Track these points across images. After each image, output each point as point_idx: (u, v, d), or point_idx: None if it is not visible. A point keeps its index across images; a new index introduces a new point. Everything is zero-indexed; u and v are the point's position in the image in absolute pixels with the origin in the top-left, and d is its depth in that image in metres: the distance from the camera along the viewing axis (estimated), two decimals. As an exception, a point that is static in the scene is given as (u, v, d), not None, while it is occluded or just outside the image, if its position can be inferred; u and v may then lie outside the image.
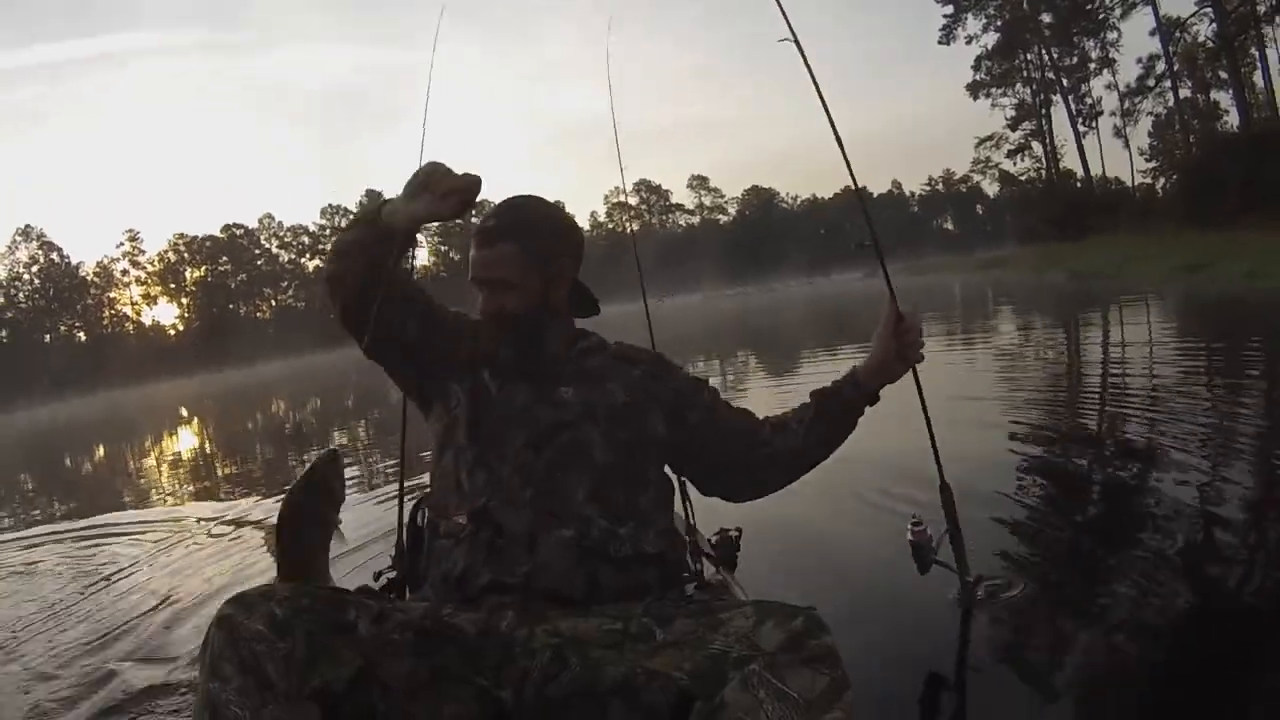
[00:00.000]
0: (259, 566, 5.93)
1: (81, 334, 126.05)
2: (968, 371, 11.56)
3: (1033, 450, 6.34)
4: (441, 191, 2.32)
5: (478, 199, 2.34)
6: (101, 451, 22.86)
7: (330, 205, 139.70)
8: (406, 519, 2.70)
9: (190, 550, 7.17)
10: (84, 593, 6.05)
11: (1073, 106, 63.52)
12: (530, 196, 2.62)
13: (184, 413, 34.68)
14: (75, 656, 4.62)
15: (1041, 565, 3.95)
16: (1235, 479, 4.81)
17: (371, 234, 2.42)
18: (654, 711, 1.82)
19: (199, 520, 8.49)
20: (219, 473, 13.77)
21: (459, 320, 2.63)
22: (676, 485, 2.71)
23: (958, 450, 6.06)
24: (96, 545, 7.99)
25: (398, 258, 2.45)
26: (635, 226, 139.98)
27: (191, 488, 12.39)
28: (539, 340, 2.53)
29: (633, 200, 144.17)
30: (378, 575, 2.61)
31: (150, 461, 17.73)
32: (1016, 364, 12.00)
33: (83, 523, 9.56)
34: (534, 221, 2.54)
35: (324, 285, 2.52)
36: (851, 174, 3.33)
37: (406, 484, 3.06)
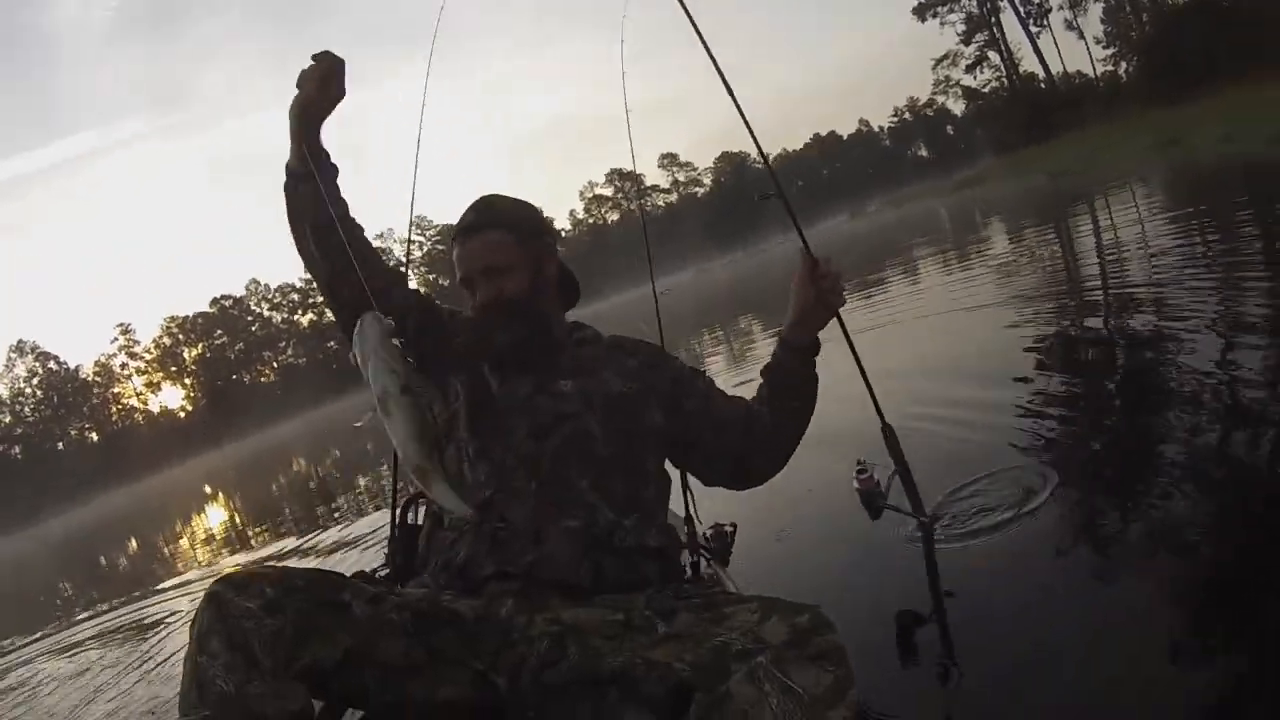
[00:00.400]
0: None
1: (93, 434, 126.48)
2: (962, 285, 11.58)
3: (1030, 354, 6.34)
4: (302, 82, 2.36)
5: (340, 76, 2.39)
6: (134, 543, 22.94)
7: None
8: (399, 517, 2.74)
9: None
10: (135, 653, 6.43)
11: (1020, 8, 63.36)
12: (495, 194, 2.67)
13: (208, 489, 34.89)
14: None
15: (1015, 490, 3.74)
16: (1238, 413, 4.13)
17: (287, 188, 2.44)
18: (652, 701, 1.82)
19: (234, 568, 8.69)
20: (249, 530, 14.04)
21: (455, 316, 2.65)
22: (678, 478, 2.72)
23: (944, 370, 6.14)
24: (140, 611, 8.62)
25: (325, 183, 2.41)
26: (619, 214, 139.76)
27: (225, 548, 12.81)
28: (540, 323, 2.55)
29: (608, 191, 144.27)
30: (372, 571, 2.60)
31: (183, 539, 18.01)
32: (1009, 270, 11.93)
33: (122, 599, 10.10)
34: (509, 209, 2.61)
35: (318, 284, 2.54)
36: (752, 133, 3.28)
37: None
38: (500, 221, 2.53)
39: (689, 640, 1.87)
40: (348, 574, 2.21)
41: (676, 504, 2.73)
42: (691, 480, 2.87)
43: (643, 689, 1.84)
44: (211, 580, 2.00)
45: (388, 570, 2.63)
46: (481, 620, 2.06)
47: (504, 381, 2.50)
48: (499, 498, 2.29)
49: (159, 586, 9.93)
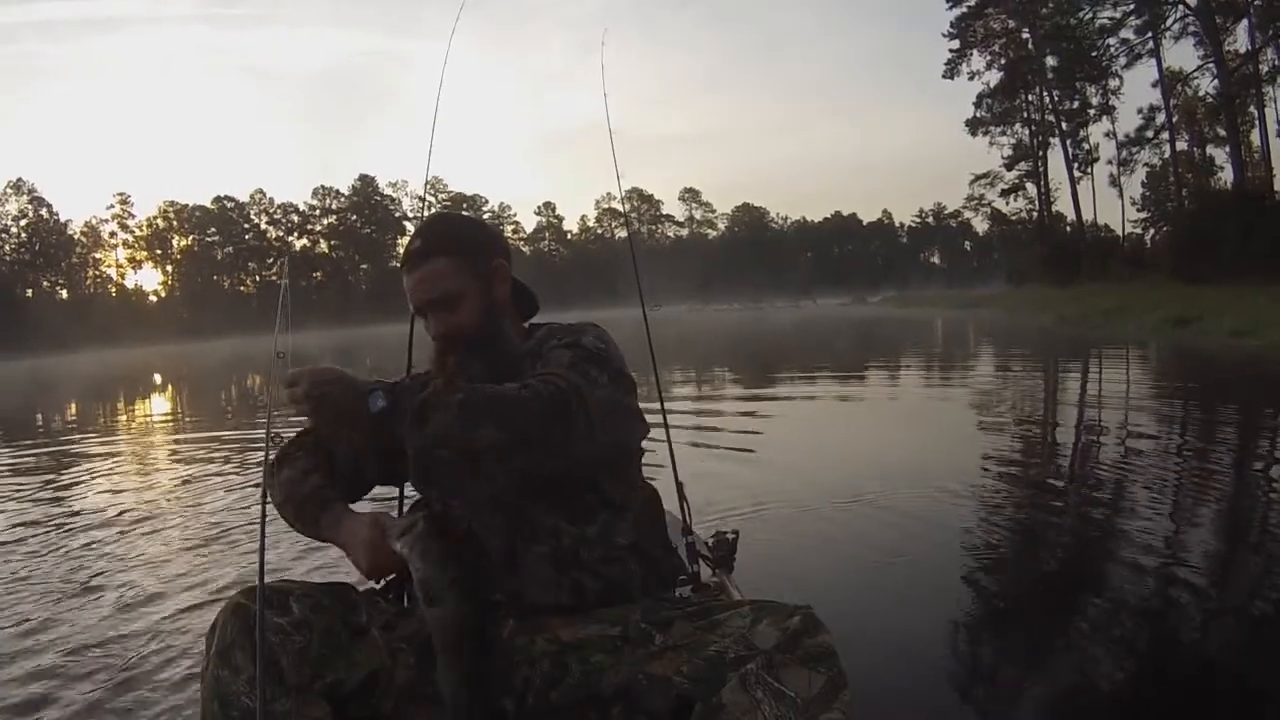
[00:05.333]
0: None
1: (64, 292, 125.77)
2: (940, 409, 11.85)
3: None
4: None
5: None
6: (74, 408, 22.87)
7: (321, 186, 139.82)
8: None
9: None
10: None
11: (1070, 151, 63.60)
12: (442, 212, 2.59)
13: (158, 377, 34.88)
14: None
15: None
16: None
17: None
18: (655, 716, 1.83)
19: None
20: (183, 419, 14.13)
21: None
22: (675, 487, 2.73)
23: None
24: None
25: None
26: (631, 232, 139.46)
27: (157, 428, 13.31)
28: (498, 351, 2.38)
29: (624, 208, 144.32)
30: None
31: (121, 414, 18.07)
32: (990, 405, 12.10)
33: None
34: (457, 230, 2.45)
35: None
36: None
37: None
38: (447, 247, 2.35)
39: (685, 650, 1.86)
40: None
41: (674, 511, 2.77)
42: (688, 490, 2.92)
43: (645, 703, 1.84)
44: (235, 591, 2.00)
45: (392, 576, 2.44)
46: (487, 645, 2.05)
47: None
48: (476, 528, 2.22)
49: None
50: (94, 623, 4.43)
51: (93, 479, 9.27)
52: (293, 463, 2.35)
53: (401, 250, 2.45)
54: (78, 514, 7.32)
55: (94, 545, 6.07)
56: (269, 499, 2.33)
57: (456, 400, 1.95)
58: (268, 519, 2.18)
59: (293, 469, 2.34)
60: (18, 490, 8.65)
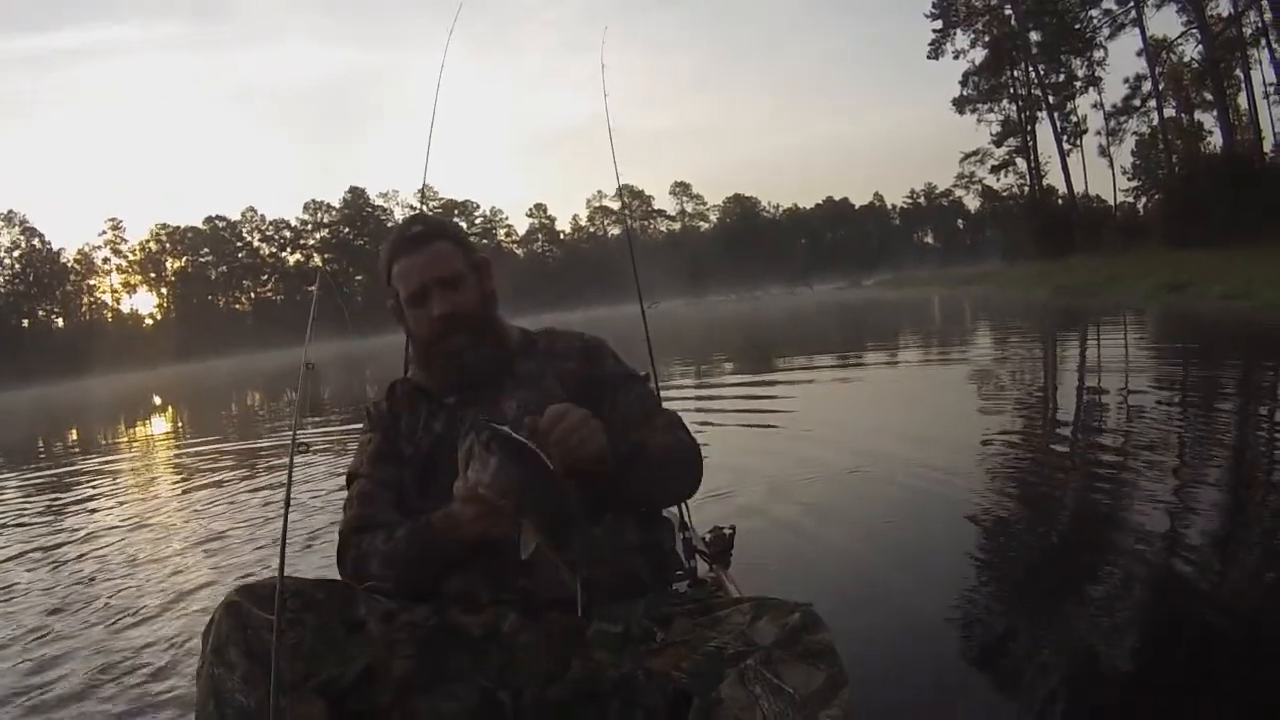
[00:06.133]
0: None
1: (59, 320, 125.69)
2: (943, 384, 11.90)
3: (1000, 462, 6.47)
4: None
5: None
6: (75, 433, 22.96)
7: (313, 200, 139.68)
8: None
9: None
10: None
11: (1058, 124, 63.50)
12: (424, 213, 2.70)
13: (157, 399, 34.94)
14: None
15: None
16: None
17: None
18: (653, 711, 1.84)
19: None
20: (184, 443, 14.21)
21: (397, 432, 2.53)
22: None
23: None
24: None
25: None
26: (628, 229, 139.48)
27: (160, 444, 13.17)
28: (496, 337, 2.50)
29: (614, 205, 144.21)
30: None
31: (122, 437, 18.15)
32: (993, 377, 12.06)
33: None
34: (449, 223, 2.60)
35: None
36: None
37: None
38: (446, 233, 2.46)
39: (685, 647, 1.88)
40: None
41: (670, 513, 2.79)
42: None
43: (643, 698, 1.85)
44: (230, 591, 2.00)
45: None
46: (487, 638, 2.06)
47: (451, 421, 2.39)
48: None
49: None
50: (96, 625, 4.50)
51: (102, 490, 9.61)
52: (370, 554, 2.30)
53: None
54: (85, 521, 7.61)
55: (99, 553, 6.21)
56: (380, 588, 2.23)
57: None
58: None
59: (375, 556, 2.29)
60: (29, 507, 8.93)
